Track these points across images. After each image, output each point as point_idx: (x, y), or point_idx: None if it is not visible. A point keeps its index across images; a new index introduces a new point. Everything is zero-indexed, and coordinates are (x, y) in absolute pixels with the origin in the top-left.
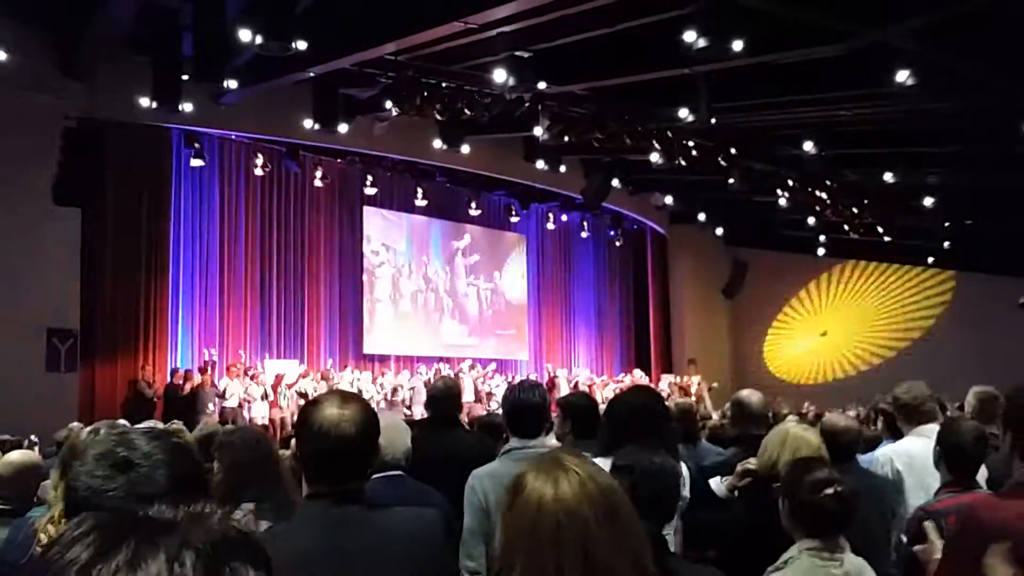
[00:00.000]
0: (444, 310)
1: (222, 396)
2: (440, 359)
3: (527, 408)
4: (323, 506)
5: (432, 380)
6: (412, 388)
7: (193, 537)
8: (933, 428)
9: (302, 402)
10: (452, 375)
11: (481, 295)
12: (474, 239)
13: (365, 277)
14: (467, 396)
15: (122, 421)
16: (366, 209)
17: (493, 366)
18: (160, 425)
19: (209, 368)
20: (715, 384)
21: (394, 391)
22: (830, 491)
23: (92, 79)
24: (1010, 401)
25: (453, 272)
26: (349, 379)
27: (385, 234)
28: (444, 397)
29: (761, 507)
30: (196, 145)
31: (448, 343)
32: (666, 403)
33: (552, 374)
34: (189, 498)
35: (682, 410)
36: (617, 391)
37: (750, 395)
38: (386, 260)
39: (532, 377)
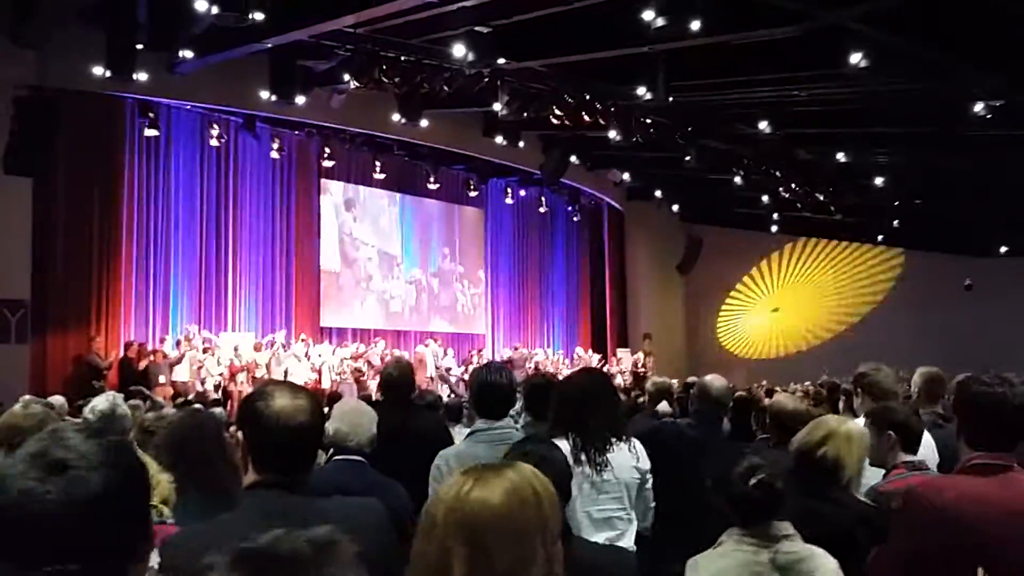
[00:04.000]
0: (399, 284)
1: (175, 363)
2: (394, 333)
3: (495, 391)
4: (266, 496)
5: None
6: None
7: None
8: None
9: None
10: (409, 354)
11: (438, 270)
12: (433, 214)
13: (322, 249)
14: (429, 371)
15: (57, 398)
16: (323, 182)
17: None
18: (119, 396)
19: (166, 341)
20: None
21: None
22: (754, 480)
23: (44, 47)
24: (960, 388)
25: (410, 245)
26: (299, 352)
27: (341, 206)
28: (398, 381)
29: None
30: (150, 115)
31: (404, 317)
32: (614, 384)
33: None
34: (130, 502)
35: (659, 389)
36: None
37: (713, 380)
38: (342, 233)
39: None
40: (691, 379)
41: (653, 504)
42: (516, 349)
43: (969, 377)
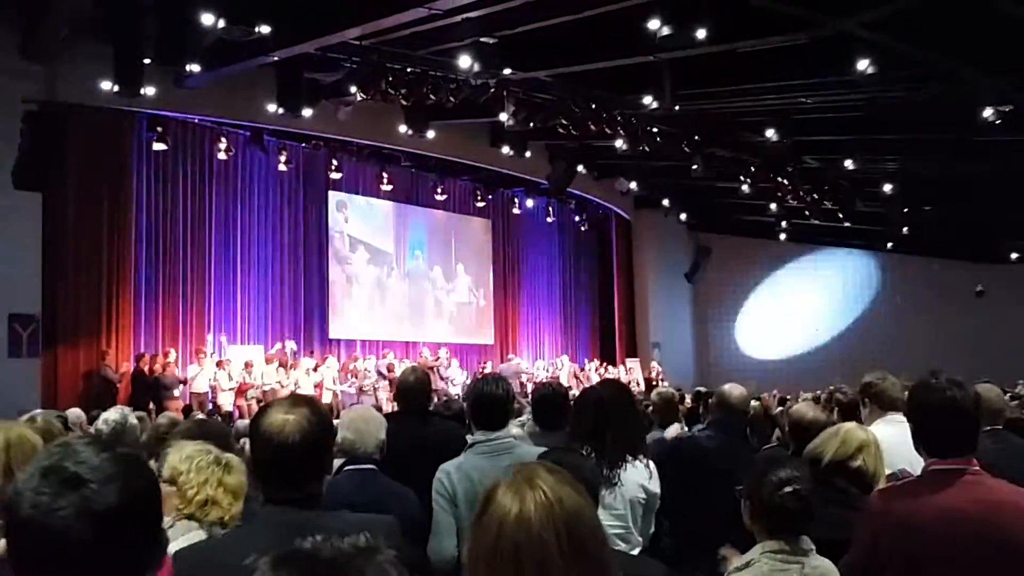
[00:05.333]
0: (408, 295)
1: (184, 382)
2: (402, 344)
3: (490, 401)
4: (277, 512)
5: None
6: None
7: None
8: (900, 417)
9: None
10: (416, 363)
11: (446, 281)
12: (440, 225)
13: (330, 261)
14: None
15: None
16: (331, 194)
17: (439, 351)
18: (127, 410)
19: (170, 354)
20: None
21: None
22: (788, 489)
23: (53, 62)
24: (913, 394)
25: (418, 257)
26: (308, 366)
27: (349, 218)
28: (415, 390)
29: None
30: (159, 129)
31: (412, 328)
32: (634, 396)
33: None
34: (144, 514)
35: (664, 400)
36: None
37: (731, 389)
38: (350, 244)
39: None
40: (700, 388)
41: (653, 530)
42: (506, 360)
43: (921, 383)
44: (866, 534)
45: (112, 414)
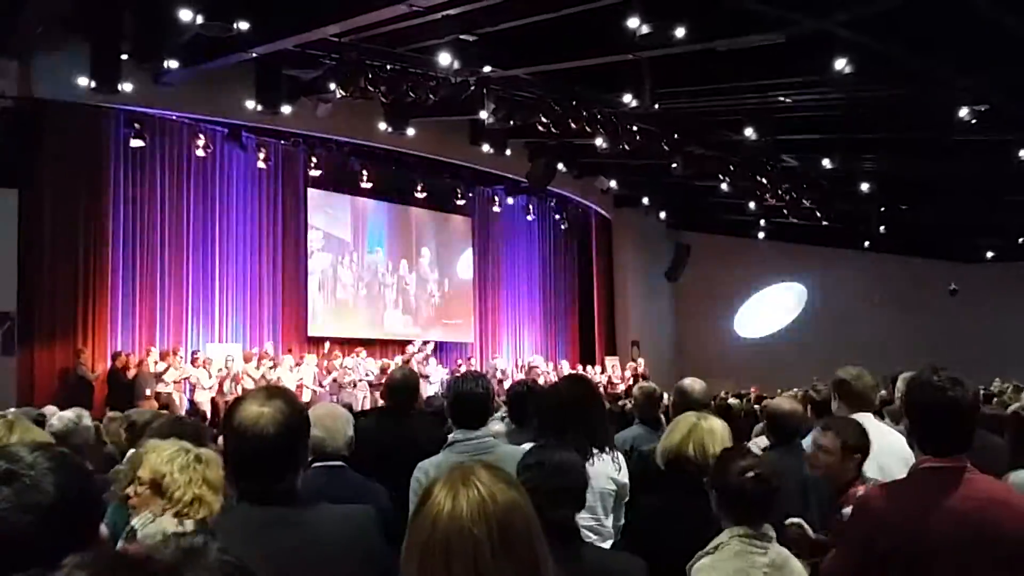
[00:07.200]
0: (388, 294)
1: (160, 380)
2: (384, 342)
3: (470, 400)
4: (252, 506)
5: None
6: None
7: None
8: (867, 416)
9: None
10: (401, 361)
11: (426, 278)
12: (420, 223)
13: (309, 259)
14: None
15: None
16: (310, 191)
17: (426, 346)
18: (84, 412)
19: (151, 353)
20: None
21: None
22: (750, 474)
23: (29, 58)
24: (911, 391)
25: (397, 255)
26: (288, 364)
27: (329, 216)
28: (403, 387)
29: (671, 493)
30: (136, 125)
31: (391, 327)
32: (597, 390)
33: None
34: (82, 506)
35: (645, 394)
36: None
37: (692, 383)
38: (330, 243)
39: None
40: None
41: (622, 522)
42: (468, 360)
43: (924, 381)
44: (858, 533)
45: (68, 413)
